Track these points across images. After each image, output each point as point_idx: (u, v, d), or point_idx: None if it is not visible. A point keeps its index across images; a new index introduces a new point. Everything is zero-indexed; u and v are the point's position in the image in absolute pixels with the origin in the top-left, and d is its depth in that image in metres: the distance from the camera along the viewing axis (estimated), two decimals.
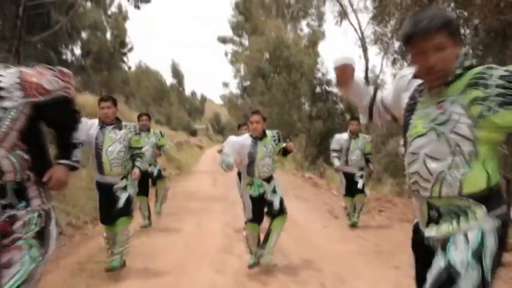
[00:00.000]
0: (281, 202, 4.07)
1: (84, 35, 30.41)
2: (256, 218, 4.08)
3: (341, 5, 19.71)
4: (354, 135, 6.09)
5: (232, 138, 4.15)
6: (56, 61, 20.38)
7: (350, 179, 6.07)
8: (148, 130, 5.99)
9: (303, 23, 31.67)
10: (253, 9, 32.33)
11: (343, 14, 19.79)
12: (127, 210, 3.94)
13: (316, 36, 29.93)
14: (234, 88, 41.78)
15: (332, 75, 18.35)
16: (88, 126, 3.82)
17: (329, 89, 17.47)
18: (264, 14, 32.14)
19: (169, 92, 51.59)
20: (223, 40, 36.75)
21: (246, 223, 4.16)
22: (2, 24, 16.28)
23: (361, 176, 6.06)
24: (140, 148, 4.20)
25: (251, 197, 4.03)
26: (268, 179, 4.07)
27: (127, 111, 20.85)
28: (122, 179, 3.93)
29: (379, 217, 6.90)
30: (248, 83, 30.57)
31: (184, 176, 15.10)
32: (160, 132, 6.36)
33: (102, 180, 3.92)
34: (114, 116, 3.96)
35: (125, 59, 37.09)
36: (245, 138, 4.06)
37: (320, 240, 5.48)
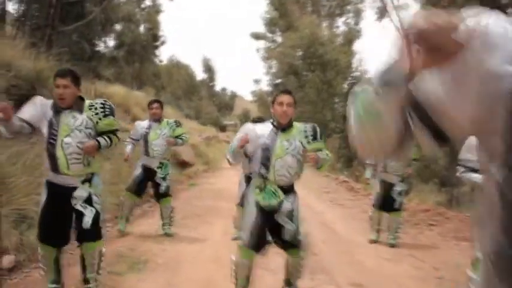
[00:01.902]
0: (297, 236, 3.00)
1: (117, 27, 30.53)
2: (254, 242, 2.94)
3: (382, 0, 18.81)
4: None
5: (248, 125, 3.20)
6: (89, 52, 20.35)
7: (387, 190, 5.22)
8: (159, 120, 5.13)
9: (340, 21, 30.92)
10: (288, 5, 31.65)
11: (383, 11, 18.90)
12: (95, 233, 2.96)
13: (352, 34, 29.09)
14: (265, 85, 41.16)
15: (370, 74, 17.41)
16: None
17: None
18: (299, 11, 31.45)
19: (199, 87, 51.49)
20: (256, 36, 36.23)
21: (239, 246, 3.05)
22: (37, 13, 16.24)
23: (401, 193, 5.22)
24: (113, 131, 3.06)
25: (257, 205, 2.97)
26: (287, 190, 3.02)
27: None
28: (83, 182, 2.91)
29: (430, 232, 6.11)
30: (280, 80, 29.89)
31: (212, 172, 14.60)
32: (175, 121, 5.34)
33: (55, 180, 2.91)
34: (73, 97, 2.88)
35: (157, 52, 37.10)
36: (265, 126, 3.09)
37: (366, 257, 4.76)
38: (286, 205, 2.98)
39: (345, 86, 20.41)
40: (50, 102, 2.90)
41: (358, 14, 30.07)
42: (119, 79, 24.91)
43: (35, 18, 15.62)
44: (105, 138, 2.94)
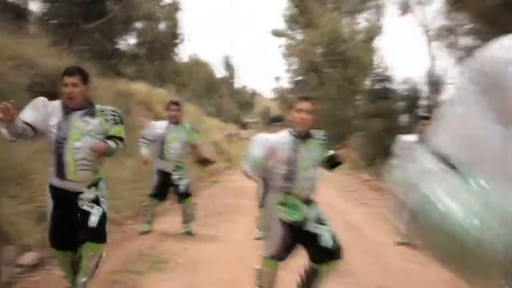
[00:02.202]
0: (334, 239, 2.78)
1: (138, 25, 30.78)
2: (280, 255, 2.84)
3: None
4: (424, 137, 4.97)
5: (261, 137, 2.83)
6: (110, 50, 20.55)
7: None
8: (177, 123, 4.93)
9: (360, 17, 30.44)
10: (309, 1, 31.32)
11: (406, 6, 18.43)
12: (100, 234, 2.83)
13: (373, 31, 28.58)
14: (285, 83, 40.90)
15: (393, 71, 17.04)
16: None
17: (390, 86, 16.16)
18: (320, 7, 31.09)
19: (220, 85, 51.59)
20: (277, 33, 36.04)
21: (263, 257, 2.92)
22: (60, 12, 16.46)
23: None
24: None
25: (282, 223, 2.77)
26: (308, 201, 2.85)
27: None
28: (90, 187, 2.79)
29: None
30: (300, 77, 29.62)
31: (234, 169, 14.53)
32: (192, 127, 5.12)
33: (58, 185, 2.78)
34: (82, 96, 2.76)
35: (177, 49, 37.24)
36: (281, 137, 2.81)
37: (395, 259, 4.56)
38: (311, 213, 2.82)
39: (367, 83, 20.03)
40: (56, 103, 2.76)
41: (379, 10, 29.60)
42: (140, 77, 25.09)
43: (58, 16, 15.82)
44: (113, 142, 2.81)
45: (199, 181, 10.09)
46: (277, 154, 2.67)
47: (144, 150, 4.88)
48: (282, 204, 2.79)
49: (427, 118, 5.04)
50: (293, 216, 2.76)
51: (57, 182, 2.74)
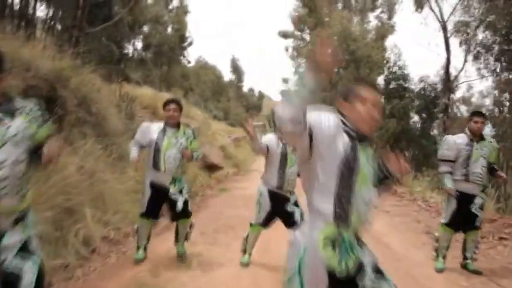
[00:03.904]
0: None
1: (145, 28, 30.51)
2: None
3: None
4: (477, 137, 4.23)
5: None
6: (118, 54, 20.21)
7: (465, 204, 4.19)
8: (177, 126, 4.06)
9: (371, 16, 29.87)
10: (318, 0, 30.76)
11: (421, 1, 17.79)
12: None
13: (385, 29, 27.97)
14: (293, 85, 40.34)
15: (408, 70, 16.34)
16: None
17: (406, 84, 15.51)
18: (329, 6, 30.55)
19: (227, 88, 51.27)
20: (284, 35, 35.59)
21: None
22: (64, 14, 16.20)
23: (482, 207, 4.22)
24: None
25: (328, 273, 1.73)
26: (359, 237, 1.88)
27: (184, 105, 20.19)
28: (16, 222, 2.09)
29: (504, 248, 5.18)
30: None
31: (242, 175, 13.96)
32: (193, 131, 4.25)
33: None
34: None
35: (184, 53, 37.01)
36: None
37: (435, 283, 3.94)
38: (367, 258, 1.83)
39: (380, 82, 19.40)
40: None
41: (391, 7, 28.98)
42: (147, 81, 24.76)
43: (64, 20, 15.51)
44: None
45: (207, 189, 9.52)
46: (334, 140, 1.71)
47: (134, 152, 4.01)
48: (332, 241, 1.75)
49: (480, 115, 4.33)
50: (343, 265, 1.74)
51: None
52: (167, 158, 3.89)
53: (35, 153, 2.02)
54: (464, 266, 4.37)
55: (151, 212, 4.04)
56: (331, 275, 1.71)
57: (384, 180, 1.98)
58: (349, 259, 1.74)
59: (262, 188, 4.00)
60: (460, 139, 4.28)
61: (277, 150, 3.85)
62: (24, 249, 1.95)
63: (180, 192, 4.02)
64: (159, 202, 4.03)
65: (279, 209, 3.93)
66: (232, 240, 4.92)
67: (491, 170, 4.30)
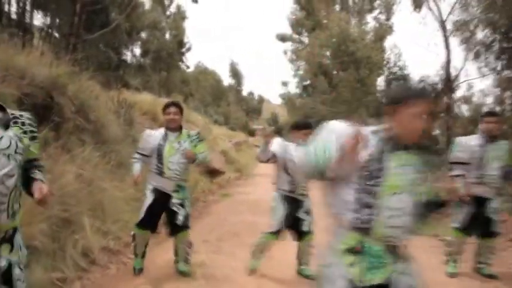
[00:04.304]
0: None
1: (143, 35, 30.50)
2: None
3: None
4: (491, 138, 4.03)
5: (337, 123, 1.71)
6: (116, 60, 20.12)
7: (479, 207, 4.04)
8: (179, 130, 3.86)
9: (369, 17, 29.84)
10: (315, 3, 30.73)
11: (420, 1, 17.70)
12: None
13: (383, 30, 27.93)
14: (293, 88, 40.31)
15: (409, 70, 16.22)
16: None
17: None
18: (327, 8, 30.54)
19: (227, 92, 51.31)
20: (282, 38, 35.58)
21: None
22: (60, 21, 16.15)
23: (496, 211, 4.04)
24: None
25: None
26: (396, 251, 1.71)
27: (185, 111, 20.08)
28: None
29: None
30: (308, 81, 28.97)
31: (245, 180, 13.81)
32: (197, 133, 3.99)
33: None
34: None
35: (183, 58, 37.01)
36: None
37: None
38: (405, 279, 1.66)
39: (381, 82, 19.30)
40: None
41: (389, 8, 28.92)
42: (147, 87, 24.68)
43: (61, 28, 15.45)
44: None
45: (208, 194, 9.37)
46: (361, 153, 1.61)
47: (136, 167, 3.87)
48: (353, 251, 1.66)
49: (492, 115, 4.18)
50: (369, 277, 1.62)
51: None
52: (170, 164, 3.73)
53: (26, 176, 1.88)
54: (478, 270, 4.22)
55: (149, 223, 3.81)
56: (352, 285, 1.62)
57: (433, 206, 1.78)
58: (377, 271, 1.61)
59: (275, 193, 3.91)
60: (473, 140, 4.12)
61: (284, 154, 3.68)
62: (5, 277, 1.74)
63: (182, 205, 3.80)
64: (159, 210, 3.82)
65: (292, 212, 3.81)
66: (236, 248, 4.76)
67: (508, 173, 4.06)
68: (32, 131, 1.92)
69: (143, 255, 3.97)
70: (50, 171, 4.65)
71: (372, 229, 1.63)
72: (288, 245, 4.09)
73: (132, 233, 3.97)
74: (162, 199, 3.76)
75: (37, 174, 1.90)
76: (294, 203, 3.81)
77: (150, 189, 3.83)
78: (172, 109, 3.81)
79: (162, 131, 3.88)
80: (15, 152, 1.79)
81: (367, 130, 1.71)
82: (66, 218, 3.96)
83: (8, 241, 1.78)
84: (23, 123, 1.89)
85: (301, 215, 3.82)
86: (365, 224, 1.63)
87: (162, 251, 4.50)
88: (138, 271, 3.90)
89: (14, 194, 1.79)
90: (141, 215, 3.82)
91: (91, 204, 4.55)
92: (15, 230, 1.84)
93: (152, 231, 3.91)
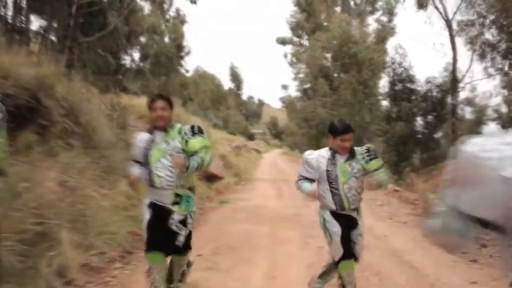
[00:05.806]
0: None
1: (142, 39, 30.19)
2: None
3: None
4: None
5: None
6: (114, 65, 19.77)
7: None
8: (165, 128, 3.04)
9: (370, 19, 29.57)
10: (316, 4, 30.44)
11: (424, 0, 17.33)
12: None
13: (385, 32, 27.63)
14: (293, 91, 40.05)
15: (414, 71, 15.80)
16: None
17: (412, 86, 14.97)
18: (328, 10, 30.27)
19: (226, 96, 51.06)
20: (283, 41, 35.40)
21: None
22: (56, 25, 15.88)
23: None
24: None
25: None
26: None
27: (183, 114, 19.65)
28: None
29: None
30: (309, 85, 28.61)
31: (244, 185, 13.34)
32: (192, 127, 3.07)
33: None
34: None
35: (182, 62, 36.73)
36: None
37: None
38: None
39: (383, 85, 18.92)
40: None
41: (390, 10, 28.60)
42: (146, 92, 24.31)
43: (57, 31, 15.15)
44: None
45: (206, 201, 8.91)
46: None
47: (134, 169, 3.09)
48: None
49: None
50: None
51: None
52: (158, 170, 2.96)
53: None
54: None
55: (158, 243, 2.99)
56: None
57: None
58: None
59: (323, 212, 3.14)
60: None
61: (321, 167, 3.05)
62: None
63: (184, 222, 3.02)
64: (161, 227, 2.99)
65: (348, 230, 3.07)
66: (233, 264, 4.26)
67: None
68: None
69: (171, 282, 3.16)
70: (27, 178, 4.22)
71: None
72: (291, 261, 3.61)
73: (147, 266, 3.10)
74: (160, 215, 3.00)
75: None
76: (348, 221, 3.11)
77: (147, 204, 3.08)
78: (160, 103, 3.01)
79: (150, 130, 3.12)
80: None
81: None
82: (41, 232, 3.51)
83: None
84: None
85: (354, 236, 3.13)
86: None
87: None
88: None
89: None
90: (144, 236, 3.06)
91: (72, 215, 4.10)
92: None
93: (166, 252, 3.05)
